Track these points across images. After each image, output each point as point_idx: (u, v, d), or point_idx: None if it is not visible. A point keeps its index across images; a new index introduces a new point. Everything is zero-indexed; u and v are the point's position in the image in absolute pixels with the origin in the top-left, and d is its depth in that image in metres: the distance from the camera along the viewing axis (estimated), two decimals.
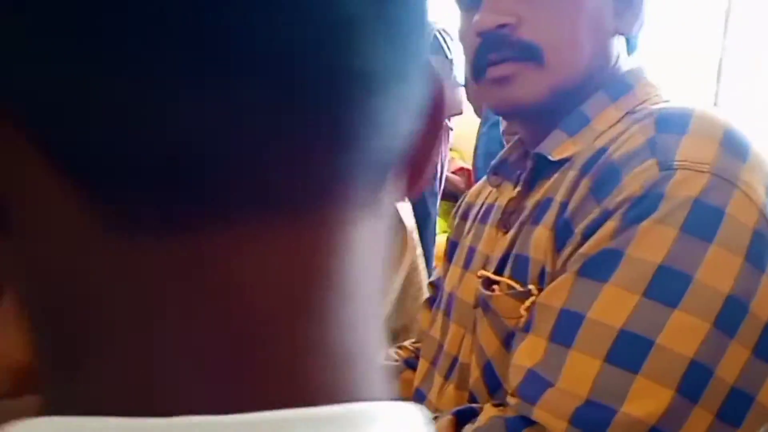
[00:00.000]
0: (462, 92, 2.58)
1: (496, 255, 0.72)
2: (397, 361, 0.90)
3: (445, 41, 2.52)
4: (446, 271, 0.84)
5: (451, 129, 2.74)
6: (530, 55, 0.68)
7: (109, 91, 0.18)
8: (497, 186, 0.80)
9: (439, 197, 2.63)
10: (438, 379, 0.77)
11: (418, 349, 0.89)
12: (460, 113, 2.58)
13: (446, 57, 2.49)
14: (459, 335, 0.75)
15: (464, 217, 0.87)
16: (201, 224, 0.19)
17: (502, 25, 0.68)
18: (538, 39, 0.68)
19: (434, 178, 2.55)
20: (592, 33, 0.69)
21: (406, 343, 0.95)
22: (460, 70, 2.55)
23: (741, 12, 2.69)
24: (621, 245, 0.59)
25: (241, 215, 0.19)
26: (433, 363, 0.80)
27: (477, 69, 0.71)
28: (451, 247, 0.86)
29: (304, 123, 0.19)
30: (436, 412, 0.71)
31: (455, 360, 0.75)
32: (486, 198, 0.83)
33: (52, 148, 0.18)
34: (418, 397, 0.80)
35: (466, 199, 0.89)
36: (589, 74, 0.70)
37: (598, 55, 0.70)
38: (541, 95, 0.69)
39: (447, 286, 0.81)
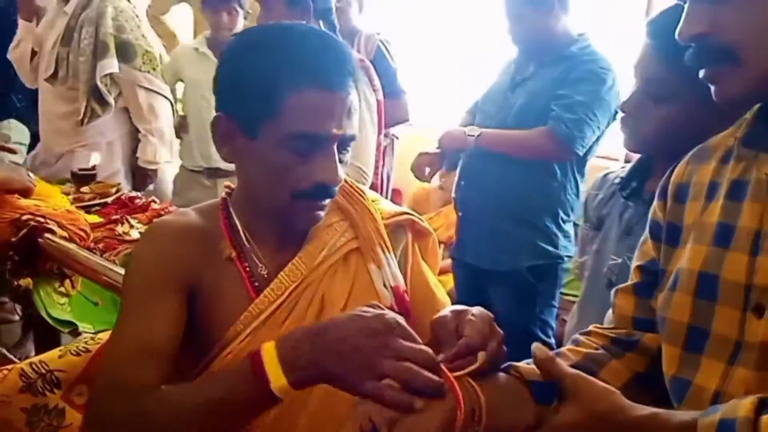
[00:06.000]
0: (407, 99, 2.58)
1: None
2: (597, 349, 0.87)
3: (387, 50, 2.52)
4: (669, 253, 0.84)
5: (396, 138, 2.75)
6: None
7: None
8: (753, 158, 0.78)
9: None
10: (713, 364, 0.76)
11: (618, 336, 0.88)
12: (407, 121, 2.58)
13: (390, 65, 2.50)
14: (735, 317, 0.74)
15: (680, 198, 0.85)
16: None
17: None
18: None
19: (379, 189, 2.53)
20: None
21: (592, 327, 0.90)
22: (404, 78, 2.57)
23: None
24: None
25: None
26: (687, 348, 0.78)
27: None
28: (671, 228, 0.85)
29: None
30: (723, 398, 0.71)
31: (738, 343, 0.74)
32: (716, 176, 0.82)
33: None
34: (681, 385, 0.78)
35: (673, 180, 0.87)
36: None
37: None
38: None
39: (690, 266, 0.79)
